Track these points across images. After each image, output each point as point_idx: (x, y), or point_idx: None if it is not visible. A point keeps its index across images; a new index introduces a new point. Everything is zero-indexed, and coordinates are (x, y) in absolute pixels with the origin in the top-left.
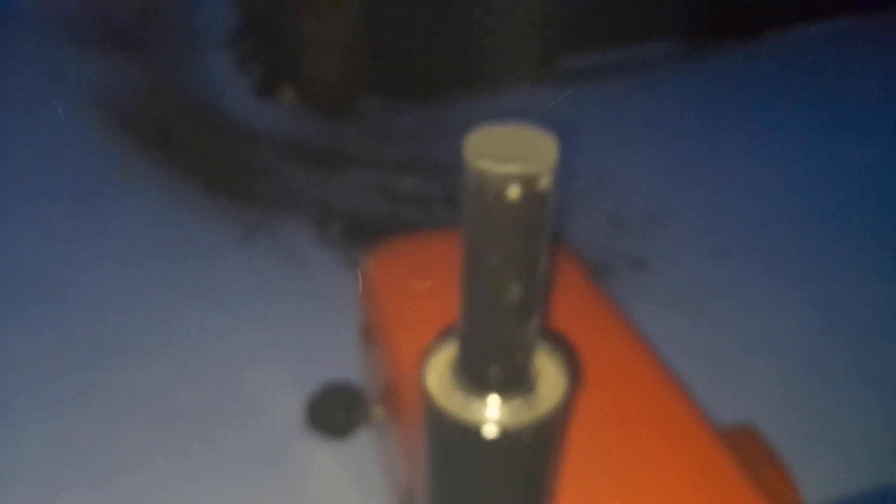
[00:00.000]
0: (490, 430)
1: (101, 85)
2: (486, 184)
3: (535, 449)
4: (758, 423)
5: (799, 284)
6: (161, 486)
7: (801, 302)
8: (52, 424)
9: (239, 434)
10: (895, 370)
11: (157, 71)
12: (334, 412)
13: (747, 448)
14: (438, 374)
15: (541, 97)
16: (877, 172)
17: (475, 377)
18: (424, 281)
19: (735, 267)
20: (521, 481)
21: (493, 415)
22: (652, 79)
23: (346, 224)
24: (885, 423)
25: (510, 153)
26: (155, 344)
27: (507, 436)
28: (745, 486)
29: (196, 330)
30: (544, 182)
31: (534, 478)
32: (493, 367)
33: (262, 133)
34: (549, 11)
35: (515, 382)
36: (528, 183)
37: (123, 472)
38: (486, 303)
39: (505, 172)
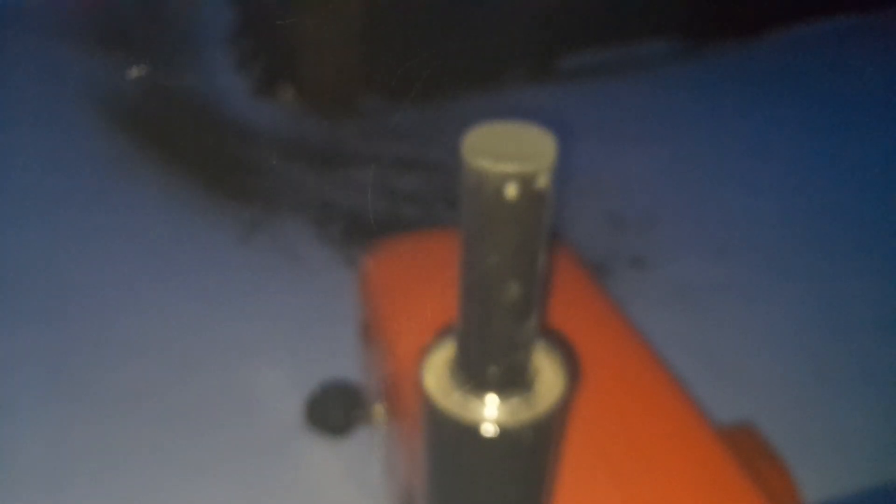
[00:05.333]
0: (488, 429)
1: (101, 85)
2: (485, 182)
3: (533, 448)
4: (758, 423)
5: (799, 283)
6: (161, 485)
7: (802, 301)
8: (52, 424)
9: (238, 433)
10: (895, 370)
11: (157, 70)
12: (334, 411)
13: (747, 447)
14: (437, 373)
15: (540, 96)
16: (877, 171)
17: (474, 376)
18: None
19: (734, 266)
20: (520, 480)
21: (491, 414)
22: (651, 77)
23: (345, 223)
24: (885, 422)
25: (508, 152)
26: (155, 343)
27: (506, 435)
28: (745, 486)
29: (196, 329)
30: (543, 181)
31: (532, 477)
32: (491, 366)
33: (261, 132)
34: (549, 11)
35: (514, 381)
36: (526, 182)
37: (123, 472)
38: (485, 302)
39: (503, 171)
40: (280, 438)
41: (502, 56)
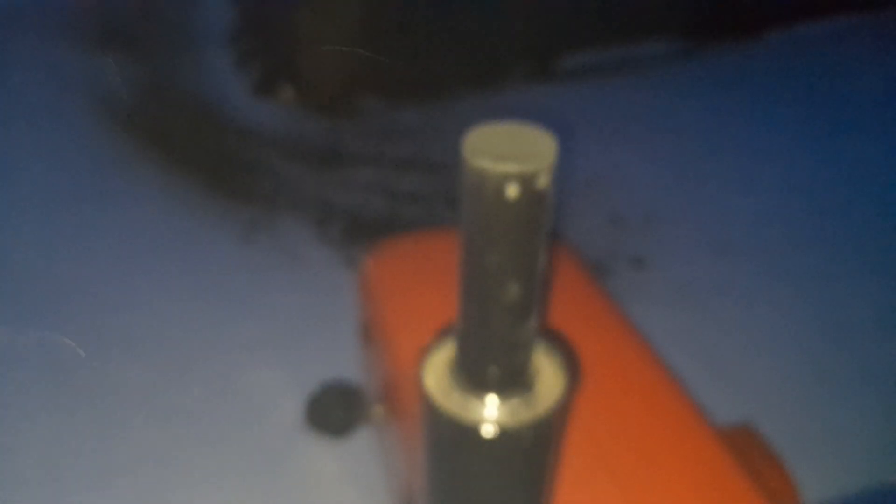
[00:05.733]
0: (488, 430)
1: (101, 85)
2: (485, 183)
3: (533, 448)
4: (758, 423)
5: (799, 283)
6: (161, 486)
7: (802, 301)
8: (52, 424)
9: (239, 433)
10: (895, 370)
11: (157, 70)
12: (334, 411)
13: (747, 448)
14: (437, 373)
15: (540, 96)
16: (876, 171)
17: (474, 376)
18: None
19: (735, 266)
20: (520, 480)
21: (491, 414)
22: (651, 77)
23: (345, 223)
24: (885, 423)
25: (509, 152)
26: (154, 343)
27: (506, 435)
28: (745, 486)
29: (195, 329)
30: (543, 181)
31: (532, 477)
32: (491, 366)
33: (261, 132)
34: (549, 11)
35: (514, 382)
36: (526, 182)
37: (123, 473)
38: (485, 302)
39: (503, 171)
40: (280, 439)
41: (502, 56)
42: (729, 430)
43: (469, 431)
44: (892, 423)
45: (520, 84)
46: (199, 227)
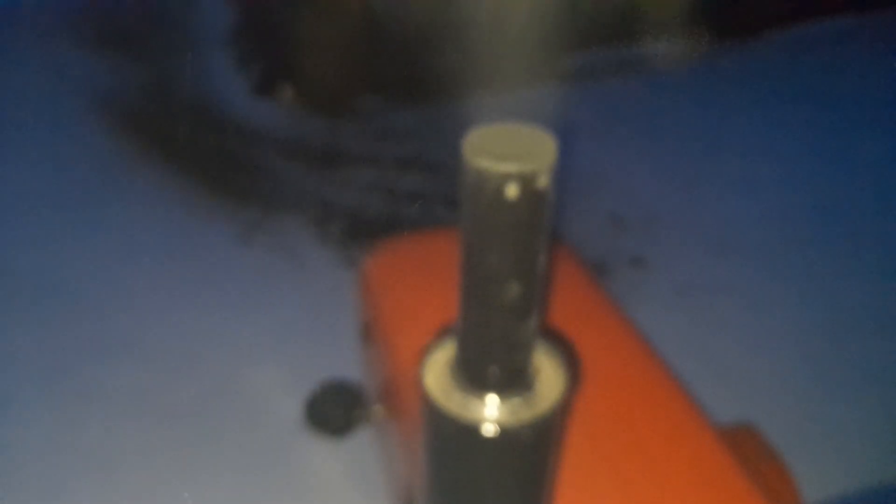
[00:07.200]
0: (488, 429)
1: (101, 85)
2: (485, 183)
3: (533, 448)
4: (758, 423)
5: (799, 284)
6: (161, 485)
7: (802, 301)
8: (53, 424)
9: (239, 433)
10: (895, 370)
11: (157, 70)
12: (334, 411)
13: (747, 447)
14: (437, 373)
15: (540, 96)
16: (877, 171)
17: (474, 376)
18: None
19: (735, 266)
20: (520, 480)
21: (491, 414)
22: (652, 78)
23: (345, 223)
24: (885, 422)
25: (509, 152)
26: (155, 344)
27: (506, 435)
28: (745, 486)
29: (196, 329)
30: (543, 181)
31: (533, 477)
32: (491, 366)
33: (261, 132)
34: (550, 11)
35: (514, 381)
36: (526, 182)
37: (123, 472)
38: (485, 302)
39: (503, 171)
40: (280, 439)
41: (503, 57)
42: (729, 429)
43: (469, 431)
44: (892, 423)
45: (520, 84)
46: (198, 227)
